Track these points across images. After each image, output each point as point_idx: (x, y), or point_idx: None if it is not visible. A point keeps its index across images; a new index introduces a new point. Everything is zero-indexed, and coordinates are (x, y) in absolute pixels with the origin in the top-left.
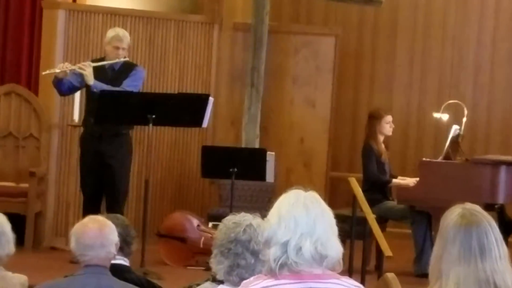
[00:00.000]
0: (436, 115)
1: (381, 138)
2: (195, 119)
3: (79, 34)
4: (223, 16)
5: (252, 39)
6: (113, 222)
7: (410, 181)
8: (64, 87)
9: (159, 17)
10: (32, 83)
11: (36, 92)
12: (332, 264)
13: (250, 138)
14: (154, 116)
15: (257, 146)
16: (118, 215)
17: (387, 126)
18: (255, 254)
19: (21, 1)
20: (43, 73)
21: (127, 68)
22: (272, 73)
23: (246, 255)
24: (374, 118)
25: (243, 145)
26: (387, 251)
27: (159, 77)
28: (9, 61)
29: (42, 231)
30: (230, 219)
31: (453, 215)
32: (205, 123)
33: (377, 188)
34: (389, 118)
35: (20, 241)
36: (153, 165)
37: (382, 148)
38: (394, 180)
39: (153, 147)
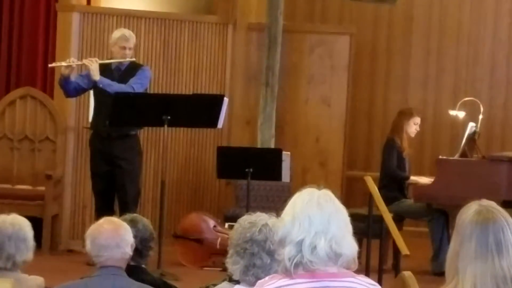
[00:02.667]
0: (452, 112)
1: (405, 136)
2: (210, 120)
3: (93, 36)
4: (237, 16)
5: (266, 39)
6: (133, 224)
7: (427, 180)
8: (70, 87)
9: (173, 18)
10: (48, 86)
11: (51, 95)
12: (347, 263)
13: (266, 138)
14: (169, 117)
15: (272, 146)
16: (140, 217)
17: (414, 126)
18: (271, 253)
19: (36, 4)
20: (50, 65)
21: (133, 68)
22: (287, 73)
23: (262, 255)
24: (404, 115)
25: (258, 145)
26: (404, 250)
27: (173, 78)
28: (24, 65)
29: (59, 234)
30: (246, 219)
31: (469, 212)
32: (220, 124)
33: (395, 185)
34: (418, 119)
35: (37, 244)
36: (169, 166)
37: (405, 145)
38: (412, 178)
39: (169, 148)
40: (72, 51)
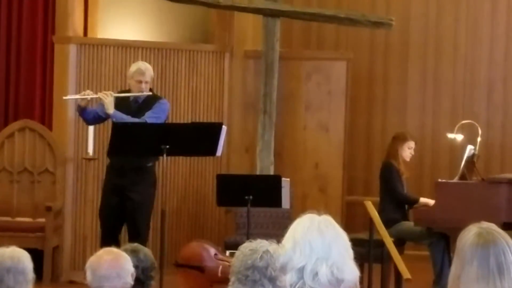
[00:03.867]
0: (451, 135)
1: (400, 159)
2: (209, 148)
3: (91, 67)
4: (234, 44)
5: (263, 66)
6: (135, 254)
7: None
8: (89, 116)
9: (170, 47)
10: (46, 118)
11: (50, 127)
12: None
13: (265, 165)
14: (168, 146)
15: (272, 172)
16: (141, 247)
17: (408, 151)
18: (272, 280)
19: (33, 37)
20: (64, 97)
21: (150, 101)
22: (285, 99)
23: (264, 282)
24: (398, 139)
25: (257, 172)
26: (405, 274)
27: (172, 107)
28: (22, 97)
29: (60, 265)
30: (247, 246)
31: (469, 235)
32: (219, 152)
33: (395, 208)
34: (412, 143)
35: (38, 276)
36: (169, 195)
37: (403, 169)
38: (421, 199)
39: (168, 177)
40: (70, 83)
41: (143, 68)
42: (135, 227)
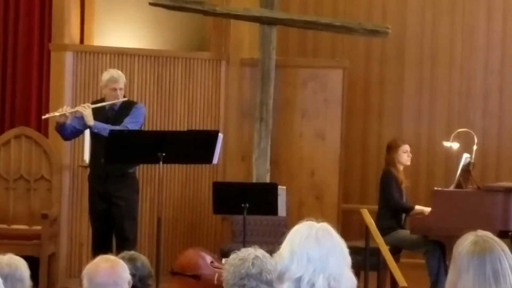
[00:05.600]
0: (446, 144)
1: (400, 167)
2: (205, 156)
3: (87, 75)
4: (230, 52)
5: (259, 74)
6: (132, 262)
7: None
8: (67, 132)
9: (167, 55)
10: (42, 126)
11: (46, 134)
12: None
13: (261, 173)
14: (164, 154)
15: (268, 180)
16: (138, 255)
17: (405, 155)
18: (269, 283)
19: (29, 44)
20: (43, 117)
21: (127, 107)
22: (281, 107)
23: (262, 287)
24: (391, 148)
25: (254, 180)
26: (401, 282)
27: (168, 115)
28: (18, 104)
29: (55, 273)
30: (235, 257)
31: (466, 243)
32: (215, 160)
33: (391, 216)
34: (406, 147)
35: (34, 284)
36: (165, 202)
37: (402, 177)
38: (417, 207)
39: (164, 184)
40: (66, 90)
41: (116, 76)
42: (123, 233)
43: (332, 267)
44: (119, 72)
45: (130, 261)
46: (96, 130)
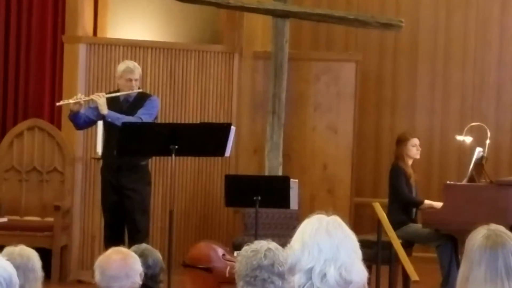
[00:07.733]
0: (459, 137)
1: (409, 161)
2: (218, 149)
3: (100, 67)
4: (243, 45)
5: (272, 67)
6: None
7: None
8: (80, 121)
9: (180, 48)
10: (55, 118)
11: (59, 126)
12: None
13: (273, 166)
14: (176, 146)
15: (280, 173)
16: (150, 249)
17: (414, 149)
18: (281, 276)
19: (42, 36)
20: (57, 103)
21: (141, 99)
22: (294, 101)
23: (274, 279)
24: (400, 142)
25: (266, 173)
26: (413, 276)
27: (180, 108)
28: (31, 96)
29: (68, 265)
30: (247, 249)
31: (478, 237)
32: (227, 152)
33: (403, 210)
34: (415, 140)
35: (46, 275)
36: (177, 195)
37: (411, 171)
38: (426, 201)
39: (177, 177)
40: (79, 82)
41: (132, 67)
42: (135, 225)
43: (343, 257)
44: (135, 63)
45: (141, 257)
46: (110, 119)
